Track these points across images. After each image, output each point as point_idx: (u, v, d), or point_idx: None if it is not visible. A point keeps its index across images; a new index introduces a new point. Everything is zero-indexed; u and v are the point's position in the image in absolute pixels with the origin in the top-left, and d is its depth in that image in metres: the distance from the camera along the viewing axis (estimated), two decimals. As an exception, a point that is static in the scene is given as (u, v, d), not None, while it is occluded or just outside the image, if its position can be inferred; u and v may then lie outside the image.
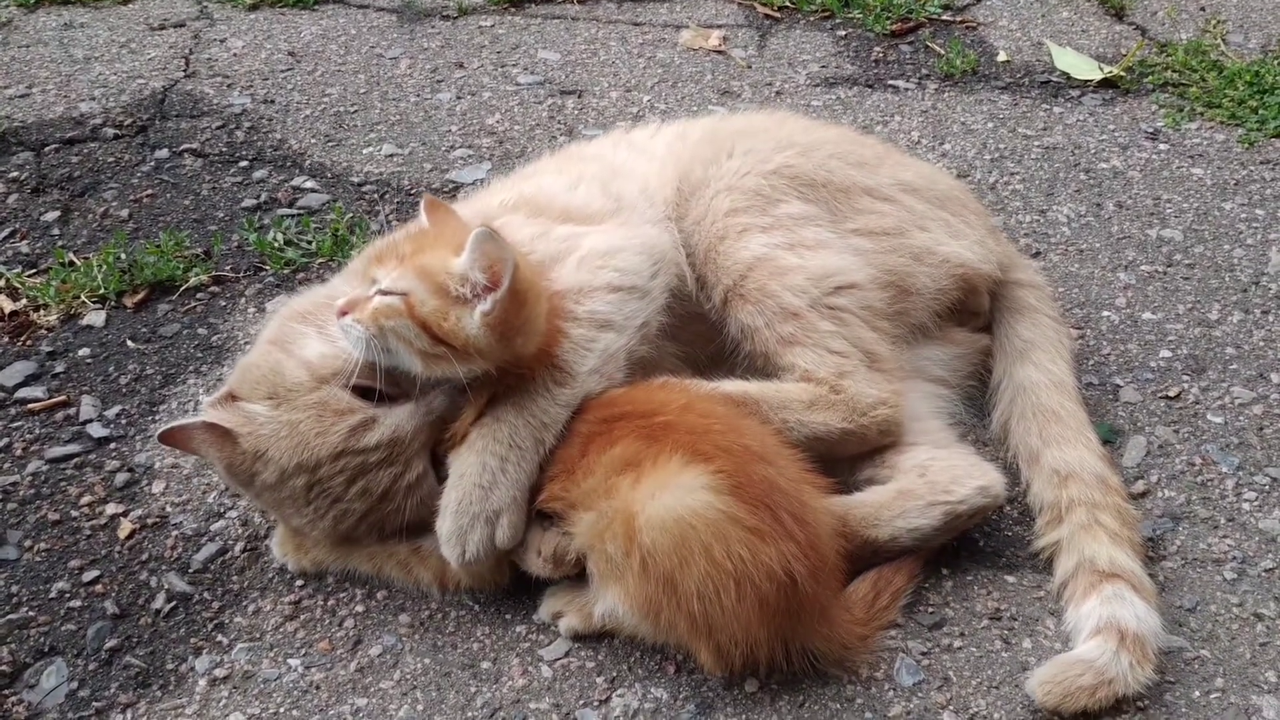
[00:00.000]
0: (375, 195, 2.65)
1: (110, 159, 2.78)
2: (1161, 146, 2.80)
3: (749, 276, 1.78)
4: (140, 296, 2.31)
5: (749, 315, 1.78)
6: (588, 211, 1.86)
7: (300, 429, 1.55)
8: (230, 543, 1.78)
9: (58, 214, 2.57)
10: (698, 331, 1.85)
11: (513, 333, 1.52)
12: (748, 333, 1.79)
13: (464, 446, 1.57)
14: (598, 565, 1.50)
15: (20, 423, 2.01)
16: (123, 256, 2.38)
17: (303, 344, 1.63)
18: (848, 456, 1.76)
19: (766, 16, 3.56)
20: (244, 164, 2.77)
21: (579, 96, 3.09)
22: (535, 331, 1.56)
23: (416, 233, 1.65)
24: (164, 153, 2.81)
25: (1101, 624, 1.53)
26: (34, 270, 2.39)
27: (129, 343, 2.20)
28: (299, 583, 1.71)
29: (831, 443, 1.72)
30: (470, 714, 1.52)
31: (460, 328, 1.49)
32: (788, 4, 3.60)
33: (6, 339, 2.20)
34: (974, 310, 2.00)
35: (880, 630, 1.59)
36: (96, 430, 1.99)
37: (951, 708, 1.51)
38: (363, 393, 1.59)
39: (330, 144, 2.86)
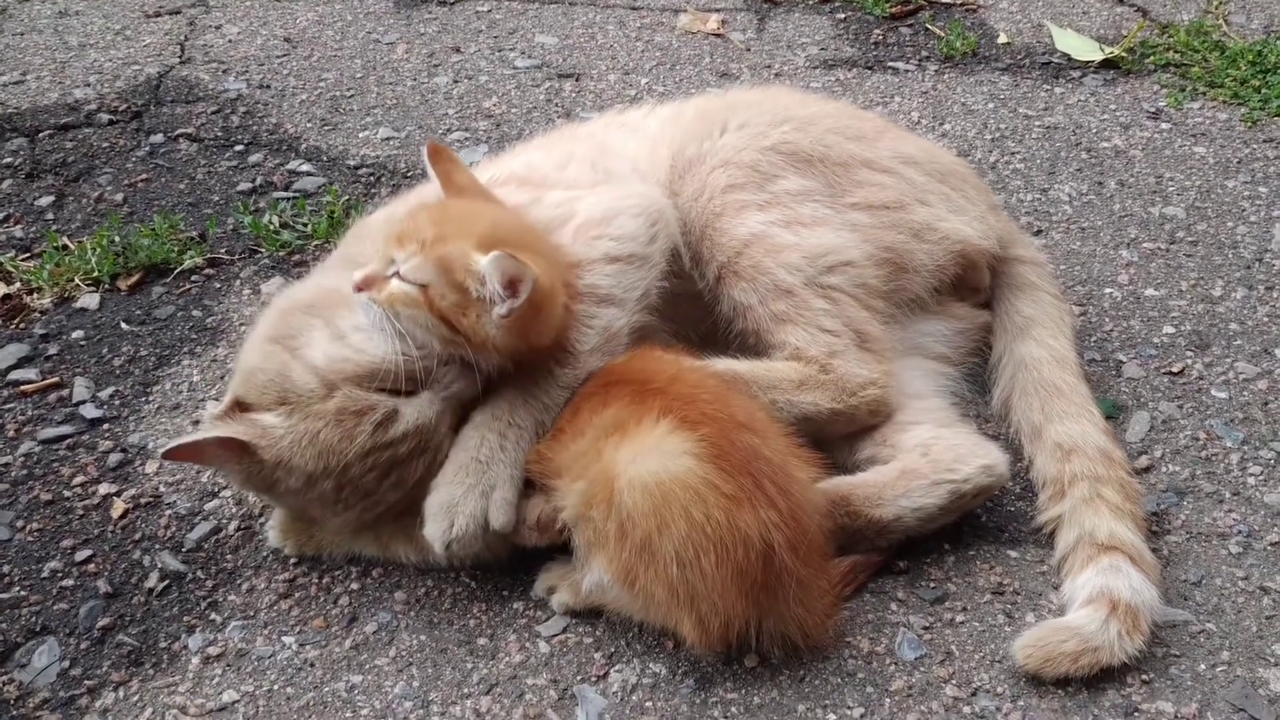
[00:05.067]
0: (371, 178, 2.63)
1: (105, 144, 2.76)
2: (1163, 126, 2.78)
3: (744, 253, 1.76)
4: (135, 279, 2.29)
5: (742, 292, 1.76)
6: (577, 189, 1.83)
7: (321, 437, 1.50)
8: (224, 521, 1.77)
9: (52, 199, 2.55)
10: (690, 311, 1.83)
11: (529, 332, 1.53)
12: (740, 310, 1.77)
13: (466, 425, 1.56)
14: (585, 535, 1.48)
15: (13, 404, 2.00)
16: (117, 240, 2.36)
17: (309, 341, 1.56)
18: (838, 436, 1.75)
19: None
20: (239, 148, 2.75)
21: (577, 80, 3.07)
22: (551, 329, 1.56)
23: (437, 210, 1.59)
24: (159, 138, 2.79)
25: (1094, 594, 1.51)
26: (28, 254, 2.38)
27: (123, 325, 2.18)
28: (293, 561, 1.69)
29: (820, 422, 1.70)
30: (466, 690, 1.50)
31: (479, 325, 1.49)
32: (786, -13, 3.58)
33: (0, 321, 2.19)
34: (974, 286, 1.97)
35: (835, 611, 1.55)
36: (89, 411, 1.97)
37: (954, 682, 1.49)
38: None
39: (326, 128, 2.84)
